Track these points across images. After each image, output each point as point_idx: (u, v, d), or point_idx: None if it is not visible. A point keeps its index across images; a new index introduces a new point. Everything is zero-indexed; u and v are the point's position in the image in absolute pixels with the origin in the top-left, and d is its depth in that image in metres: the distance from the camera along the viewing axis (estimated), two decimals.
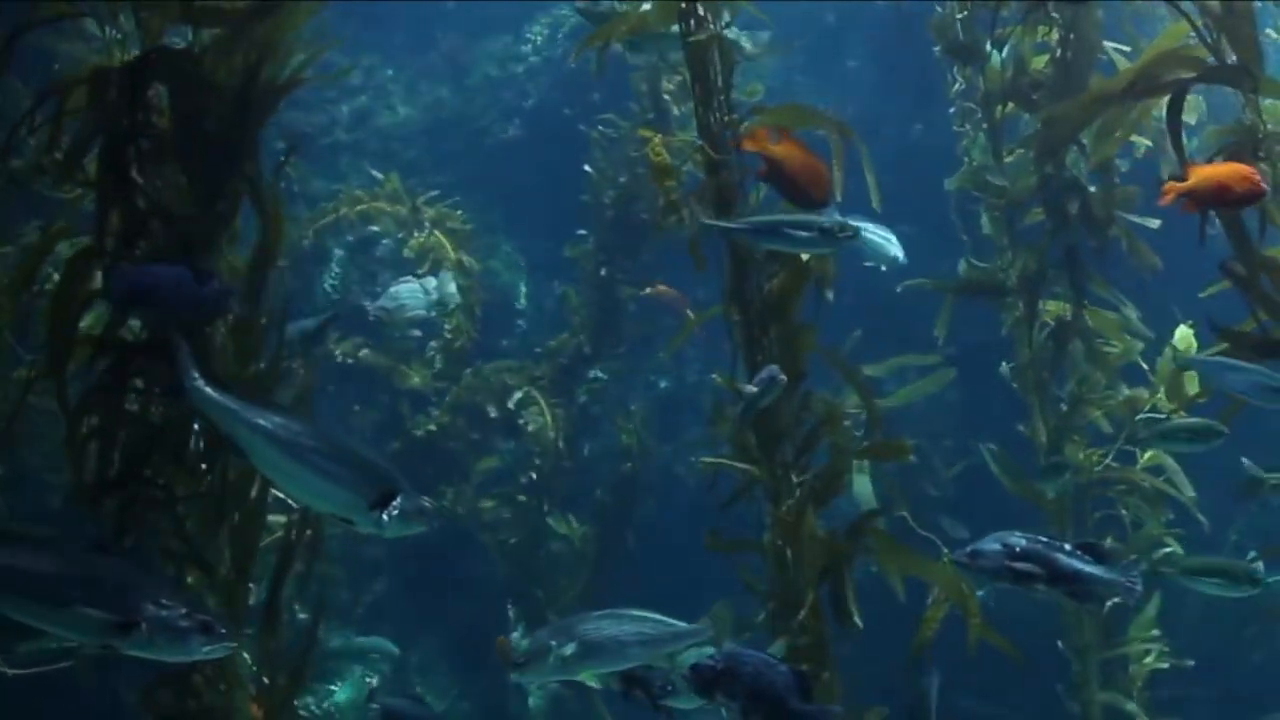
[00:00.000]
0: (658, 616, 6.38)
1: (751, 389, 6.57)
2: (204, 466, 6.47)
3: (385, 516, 5.35)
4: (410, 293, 10.99)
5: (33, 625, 5.32)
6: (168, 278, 5.85)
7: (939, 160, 11.15)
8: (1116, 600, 6.38)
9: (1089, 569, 5.99)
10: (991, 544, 6.04)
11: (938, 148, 14.12)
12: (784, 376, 6.57)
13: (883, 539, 6.88)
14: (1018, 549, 5.98)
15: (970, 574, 6.30)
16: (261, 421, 5.41)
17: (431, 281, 11.27)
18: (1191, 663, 8.94)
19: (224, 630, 5.29)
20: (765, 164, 6.44)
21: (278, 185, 6.57)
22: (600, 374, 13.60)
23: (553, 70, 15.96)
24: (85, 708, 8.58)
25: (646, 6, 6.73)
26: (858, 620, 6.76)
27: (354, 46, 14.65)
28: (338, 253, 14.35)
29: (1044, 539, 6.06)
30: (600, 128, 13.03)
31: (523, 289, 15.28)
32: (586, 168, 13.19)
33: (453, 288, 11.27)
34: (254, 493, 6.57)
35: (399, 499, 5.37)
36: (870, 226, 9.11)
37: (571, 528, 12.61)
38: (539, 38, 16.15)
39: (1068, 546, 6.02)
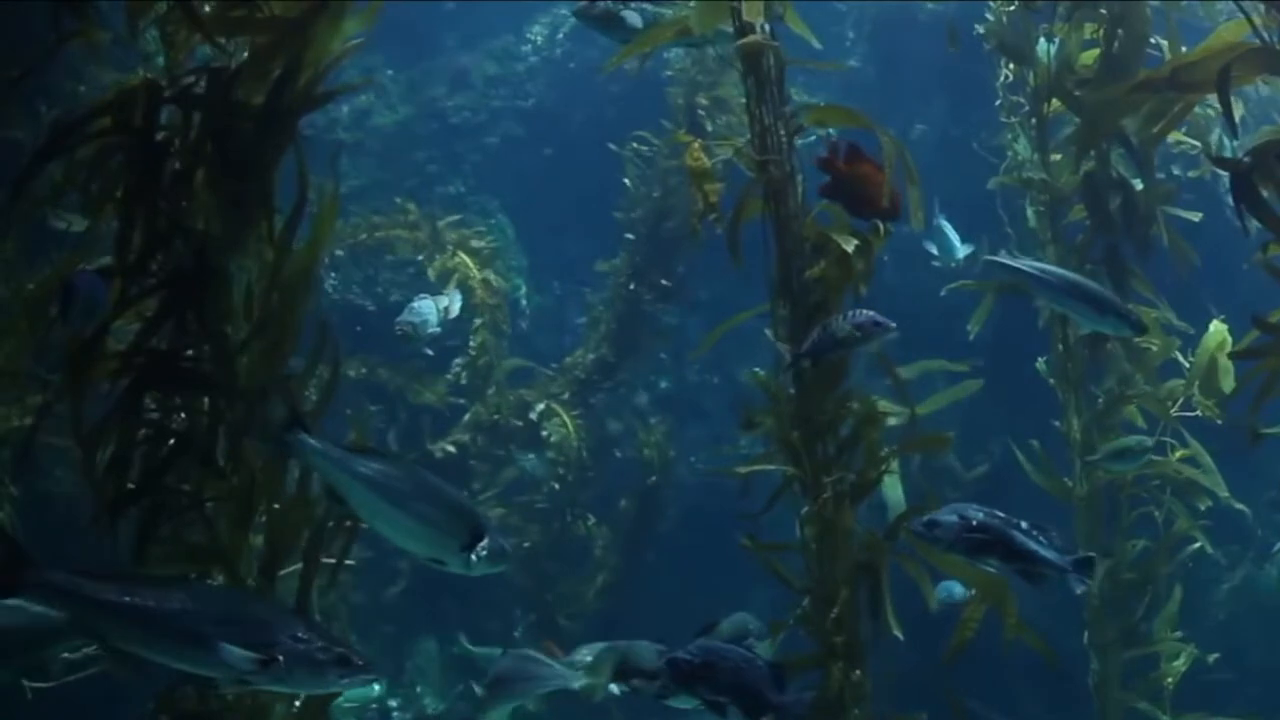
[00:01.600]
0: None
1: (846, 327, 6.45)
2: (231, 469, 6.45)
3: (474, 557, 5.59)
4: (429, 309, 11.04)
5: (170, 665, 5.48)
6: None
7: (938, 160, 11.23)
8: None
9: (1044, 551, 5.97)
10: (949, 515, 6.03)
11: (938, 146, 14.27)
12: (891, 324, 6.44)
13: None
14: (974, 522, 5.95)
15: (928, 545, 6.26)
16: (361, 470, 5.61)
17: (444, 300, 11.32)
18: (1215, 655, 8.98)
19: (361, 661, 5.36)
20: (832, 180, 6.47)
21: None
22: (614, 387, 13.64)
23: (552, 70, 15.98)
24: (84, 708, 8.52)
25: (689, 8, 6.68)
26: (896, 629, 6.74)
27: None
28: (338, 253, 14.29)
29: (1000, 514, 6.04)
30: (635, 144, 13.01)
31: (523, 289, 15.25)
32: (626, 181, 13.20)
33: (458, 304, 11.33)
34: (283, 496, 6.56)
35: (485, 540, 5.59)
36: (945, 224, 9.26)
37: (593, 529, 12.64)
38: (539, 38, 16.19)
39: (1024, 525, 6.00)
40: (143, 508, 6.26)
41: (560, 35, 16.06)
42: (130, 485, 6.21)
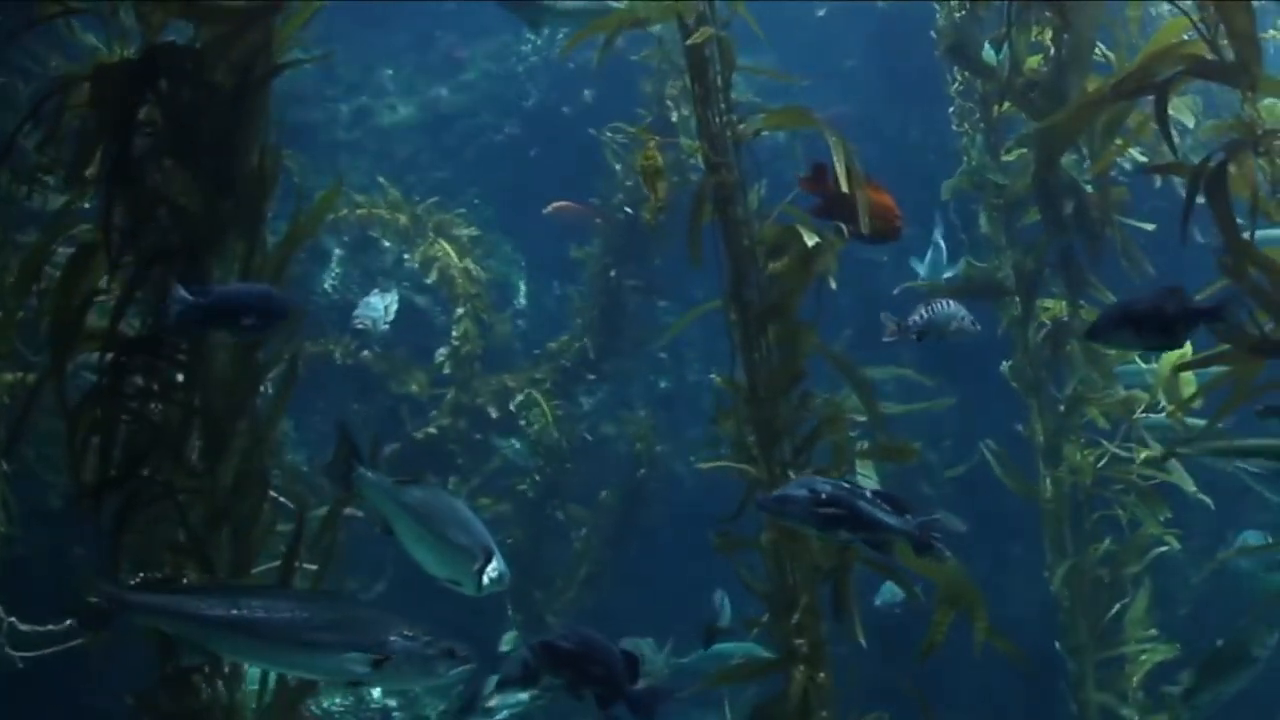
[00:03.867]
0: None
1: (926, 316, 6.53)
2: (203, 465, 6.51)
3: (486, 579, 6.02)
4: (379, 306, 11.20)
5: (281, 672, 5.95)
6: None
7: (938, 160, 11.20)
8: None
9: (888, 519, 5.94)
10: (798, 490, 5.96)
11: (937, 148, 14.22)
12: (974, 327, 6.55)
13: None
14: (824, 495, 5.92)
15: (779, 520, 6.26)
16: (408, 500, 6.01)
17: (388, 298, 11.47)
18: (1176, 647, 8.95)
19: (464, 653, 5.69)
20: (823, 202, 6.49)
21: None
22: (598, 378, 13.63)
23: (552, 69, 16.00)
24: (84, 708, 8.59)
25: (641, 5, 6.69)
26: (859, 635, 6.75)
27: (354, 46, 14.68)
28: (337, 252, 14.36)
29: (847, 485, 6.02)
30: (609, 133, 13.01)
31: (522, 288, 15.28)
32: (618, 167, 13.17)
33: (395, 306, 11.49)
34: (255, 493, 6.61)
35: (494, 562, 6.01)
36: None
37: (574, 520, 12.68)
38: (538, 37, 16.17)
39: (869, 494, 5.96)
40: (120, 496, 6.34)
41: (559, 35, 16.05)
42: (111, 471, 6.29)
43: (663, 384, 14.91)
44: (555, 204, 14.08)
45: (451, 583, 6.12)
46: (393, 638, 5.55)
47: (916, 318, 7.31)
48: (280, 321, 6.19)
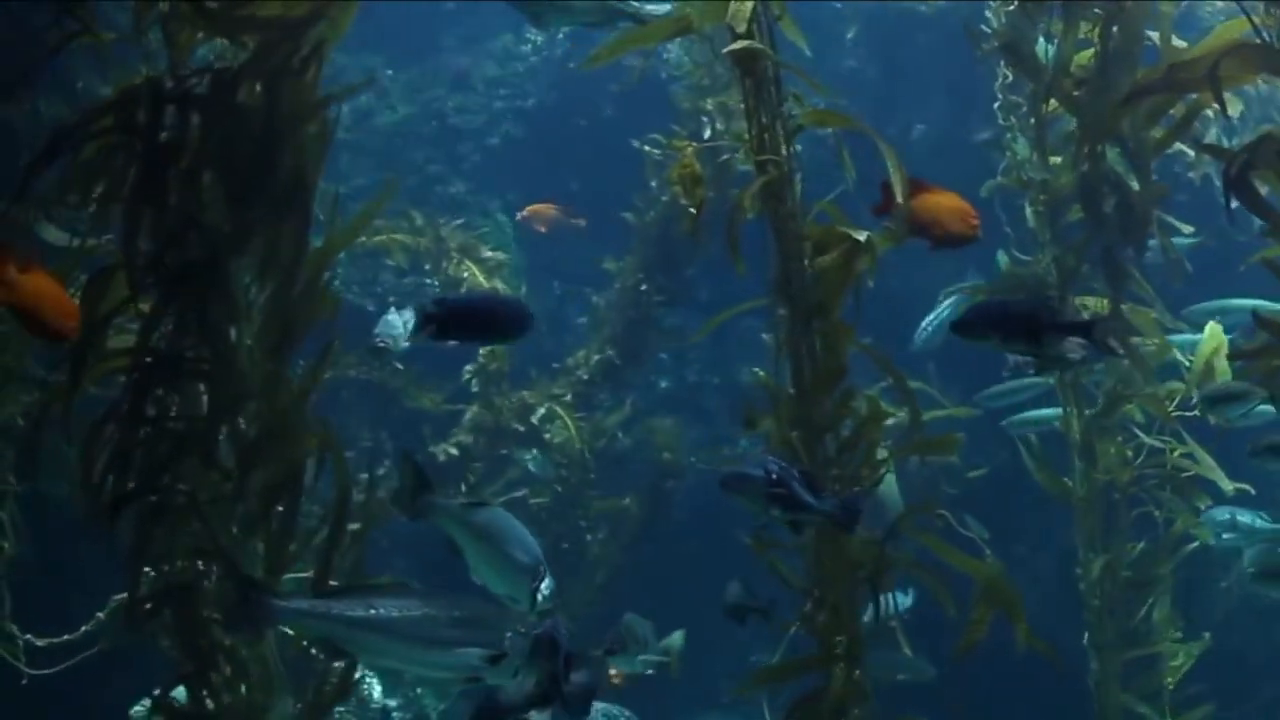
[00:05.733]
0: None
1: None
2: (235, 471, 6.48)
3: (539, 596, 6.16)
4: (399, 323, 11.15)
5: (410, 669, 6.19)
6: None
7: (938, 160, 11.22)
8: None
9: (813, 500, 6.01)
10: (757, 470, 6.03)
11: (938, 147, 14.25)
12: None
13: (929, 536, 6.88)
14: (774, 475, 5.98)
15: (737, 498, 6.23)
16: (475, 523, 6.17)
17: (406, 314, 11.43)
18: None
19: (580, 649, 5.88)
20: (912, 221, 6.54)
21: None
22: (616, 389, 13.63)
23: (553, 70, 15.98)
24: (83, 709, 8.54)
25: (690, 6, 6.63)
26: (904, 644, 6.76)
27: (354, 46, 14.61)
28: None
29: (784, 463, 6.09)
30: (648, 147, 12.96)
31: (523, 289, 15.23)
32: (652, 183, 13.19)
33: (412, 325, 11.44)
34: (288, 498, 6.58)
35: (546, 580, 6.19)
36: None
37: (595, 529, 12.66)
38: (539, 38, 16.16)
39: (798, 473, 6.06)
40: (142, 507, 6.30)
41: (560, 35, 16.05)
42: (130, 485, 6.25)
43: (663, 384, 14.89)
44: (530, 207, 14.07)
45: (510, 599, 6.20)
46: (510, 634, 5.67)
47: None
48: (525, 331, 6.51)
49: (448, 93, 16.23)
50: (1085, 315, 6.20)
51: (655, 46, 6.94)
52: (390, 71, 16.15)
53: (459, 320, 6.47)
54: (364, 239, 12.75)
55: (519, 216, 14.29)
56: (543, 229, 14.36)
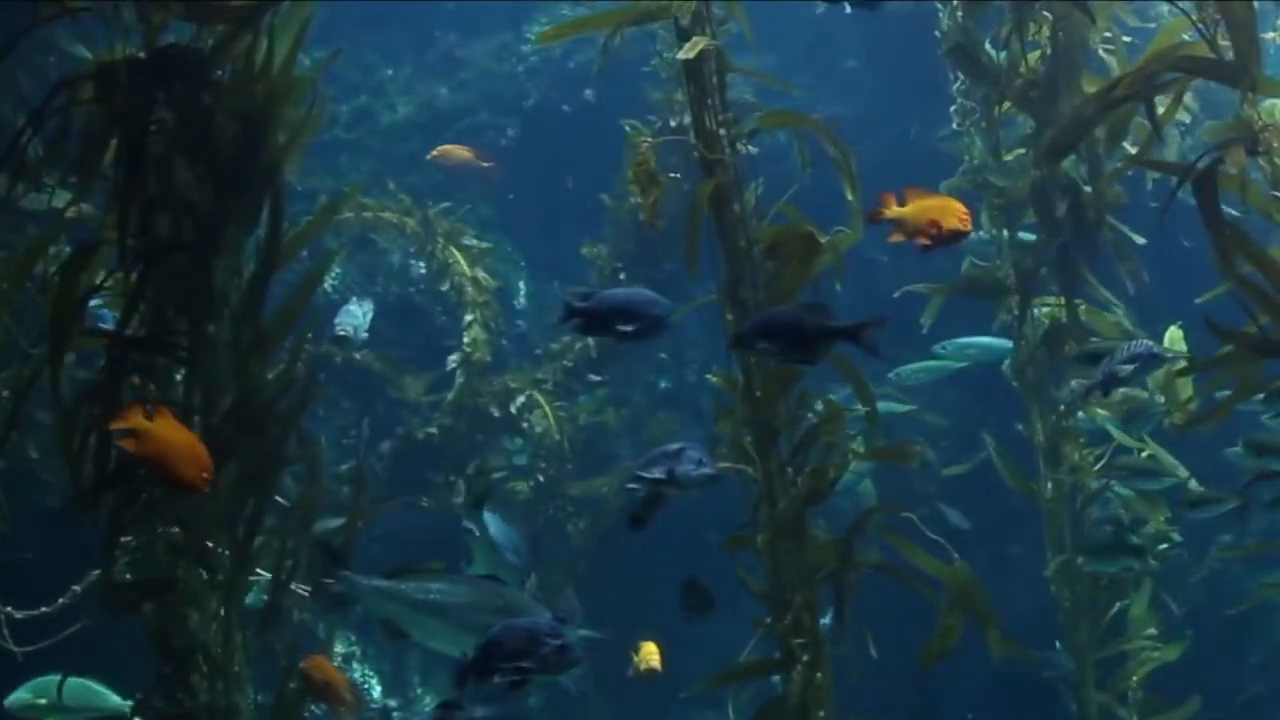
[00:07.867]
0: None
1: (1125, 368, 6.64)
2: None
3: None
4: (359, 314, 11.23)
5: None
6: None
7: (938, 160, 11.14)
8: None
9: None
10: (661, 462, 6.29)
11: (936, 148, 14.18)
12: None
13: (895, 536, 6.91)
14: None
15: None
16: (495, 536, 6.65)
17: (366, 305, 11.51)
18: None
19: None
20: (896, 225, 6.52)
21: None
22: (599, 379, 13.61)
23: (552, 69, 15.94)
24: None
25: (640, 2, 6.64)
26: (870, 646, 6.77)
27: (353, 46, 14.66)
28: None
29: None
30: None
31: (522, 288, 15.27)
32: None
33: (370, 315, 11.57)
34: (256, 495, 6.61)
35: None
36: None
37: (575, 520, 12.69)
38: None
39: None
40: (116, 496, 6.33)
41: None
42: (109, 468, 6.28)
43: (663, 384, 14.89)
44: (440, 148, 14.08)
45: None
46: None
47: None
48: (663, 328, 6.49)
49: (446, 91, 16.24)
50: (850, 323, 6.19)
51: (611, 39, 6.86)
52: (390, 70, 16.18)
53: (602, 316, 6.49)
54: (350, 214, 12.82)
55: (430, 156, 14.25)
56: (452, 167, 14.30)
